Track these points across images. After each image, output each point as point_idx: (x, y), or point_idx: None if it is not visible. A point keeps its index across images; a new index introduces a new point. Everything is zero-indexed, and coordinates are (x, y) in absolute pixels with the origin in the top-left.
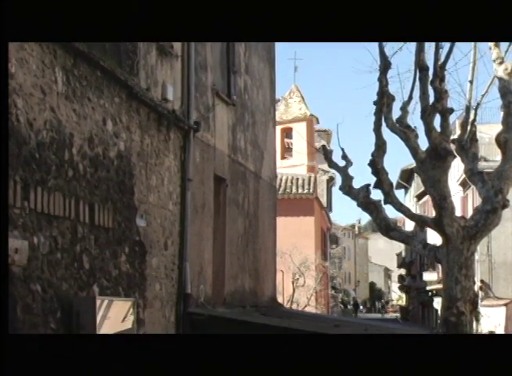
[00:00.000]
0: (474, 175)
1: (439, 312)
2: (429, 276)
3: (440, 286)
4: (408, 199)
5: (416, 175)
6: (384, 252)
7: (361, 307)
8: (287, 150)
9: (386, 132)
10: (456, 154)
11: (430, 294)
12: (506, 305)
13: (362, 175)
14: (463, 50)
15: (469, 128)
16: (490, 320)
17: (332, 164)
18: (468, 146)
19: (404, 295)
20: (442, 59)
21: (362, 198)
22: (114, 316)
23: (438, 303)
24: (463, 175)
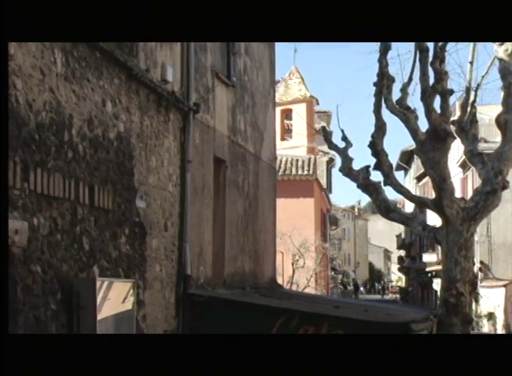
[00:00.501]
0: (473, 157)
1: (439, 293)
2: (428, 257)
3: (439, 267)
4: (408, 180)
5: (415, 156)
6: (384, 234)
7: (361, 288)
8: (287, 132)
9: (386, 114)
10: (455, 136)
11: (429, 275)
12: (505, 286)
13: (362, 157)
14: None
15: (469, 109)
16: (489, 301)
17: (332, 146)
18: (468, 128)
19: (403, 277)
20: None
21: (361, 180)
22: (114, 297)
23: (437, 284)
24: (463, 157)
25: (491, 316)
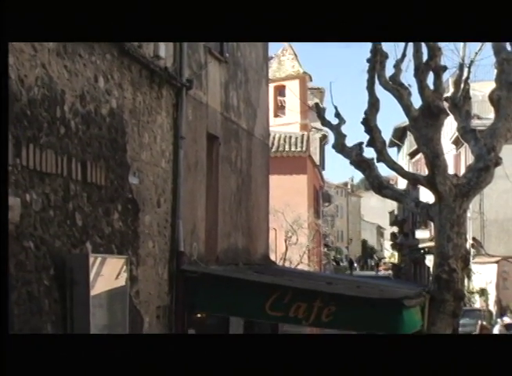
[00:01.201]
0: (466, 133)
1: (431, 269)
2: (421, 233)
3: (432, 243)
4: (401, 157)
5: (409, 133)
6: (377, 210)
7: (355, 264)
8: (280, 108)
9: (379, 90)
10: (448, 112)
11: (422, 251)
12: (497, 262)
13: (355, 134)
14: None
15: (462, 85)
16: (481, 277)
17: (325, 122)
18: (461, 104)
19: (396, 253)
20: None
21: (354, 156)
22: (108, 274)
23: (430, 261)
24: (456, 133)
25: (483, 292)
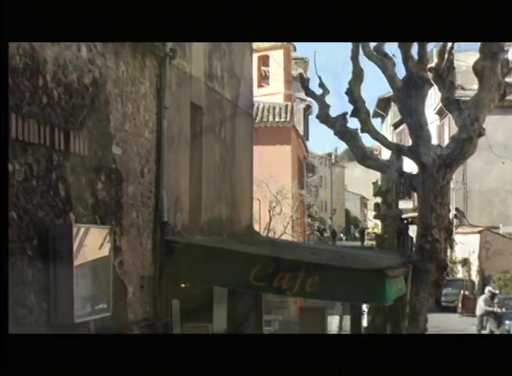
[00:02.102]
0: (450, 104)
1: (414, 239)
2: (404, 204)
3: (415, 214)
4: (384, 127)
5: (392, 103)
6: (361, 181)
7: (341, 235)
8: (264, 78)
9: (363, 60)
10: (432, 83)
11: (405, 222)
12: (480, 232)
13: (339, 104)
14: None
15: (446, 56)
16: (464, 247)
17: (309, 93)
18: (445, 75)
19: (379, 224)
20: None
21: (338, 127)
22: (91, 244)
23: (413, 231)
24: (440, 104)
25: (465, 262)
